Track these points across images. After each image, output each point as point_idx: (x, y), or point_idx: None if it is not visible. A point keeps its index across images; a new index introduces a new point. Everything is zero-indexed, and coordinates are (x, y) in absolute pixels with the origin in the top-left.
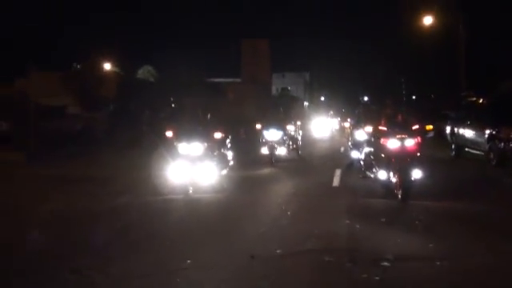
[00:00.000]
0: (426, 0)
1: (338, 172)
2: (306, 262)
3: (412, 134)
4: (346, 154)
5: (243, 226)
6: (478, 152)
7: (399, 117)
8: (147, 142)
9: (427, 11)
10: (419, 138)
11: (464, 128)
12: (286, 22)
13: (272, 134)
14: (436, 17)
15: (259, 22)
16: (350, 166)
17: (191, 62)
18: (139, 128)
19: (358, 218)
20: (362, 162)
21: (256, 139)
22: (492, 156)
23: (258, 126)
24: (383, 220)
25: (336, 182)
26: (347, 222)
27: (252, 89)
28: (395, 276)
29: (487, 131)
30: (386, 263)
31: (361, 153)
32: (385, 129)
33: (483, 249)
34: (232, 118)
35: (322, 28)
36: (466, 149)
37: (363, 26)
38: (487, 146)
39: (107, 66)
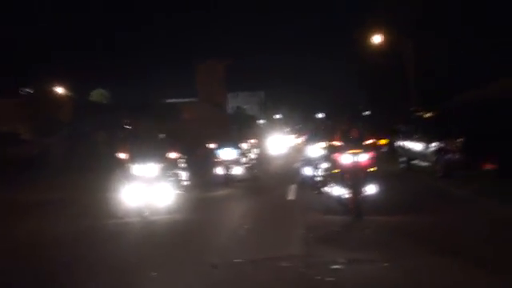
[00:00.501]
0: (379, 19)
1: (292, 187)
2: (264, 268)
3: (366, 149)
4: (299, 171)
5: (203, 241)
6: (426, 164)
7: (354, 132)
8: (104, 165)
9: (380, 30)
10: (373, 153)
11: (413, 141)
12: (240, 42)
13: (226, 153)
14: (388, 36)
15: (214, 41)
16: (303, 183)
17: (146, 83)
18: (96, 150)
19: (311, 229)
20: (318, 178)
21: (210, 159)
22: (438, 168)
23: (212, 146)
24: (336, 235)
25: (291, 196)
26: (302, 232)
27: (208, 108)
28: (345, 276)
29: (434, 144)
30: (337, 266)
31: (314, 169)
32: (339, 144)
33: (420, 255)
34: (188, 137)
35: (276, 47)
36: (416, 161)
37: (318, 44)
38: (434, 159)
39: (59, 90)
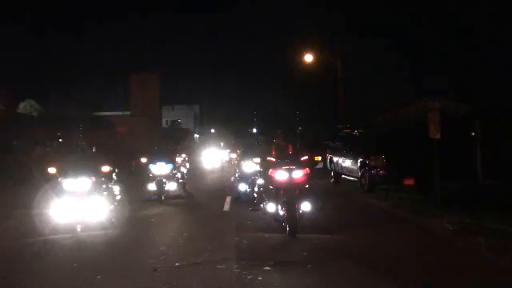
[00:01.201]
0: (310, 37)
1: (228, 199)
2: (202, 269)
3: (301, 165)
4: (233, 186)
5: (142, 250)
6: (352, 178)
7: (289, 148)
8: (36, 180)
9: (311, 49)
10: (308, 170)
11: (340, 157)
12: (175, 55)
13: (160, 168)
14: (319, 54)
15: (148, 55)
16: (238, 199)
17: (78, 96)
18: (26, 164)
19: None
20: (253, 194)
21: (143, 173)
22: (363, 182)
23: (144, 160)
24: (269, 254)
25: (226, 207)
26: (236, 239)
27: (141, 122)
28: (273, 276)
29: (359, 160)
30: (266, 267)
31: (248, 185)
32: (273, 160)
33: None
34: (120, 151)
35: (210, 60)
36: (343, 176)
37: (253, 59)
38: (359, 173)
39: None
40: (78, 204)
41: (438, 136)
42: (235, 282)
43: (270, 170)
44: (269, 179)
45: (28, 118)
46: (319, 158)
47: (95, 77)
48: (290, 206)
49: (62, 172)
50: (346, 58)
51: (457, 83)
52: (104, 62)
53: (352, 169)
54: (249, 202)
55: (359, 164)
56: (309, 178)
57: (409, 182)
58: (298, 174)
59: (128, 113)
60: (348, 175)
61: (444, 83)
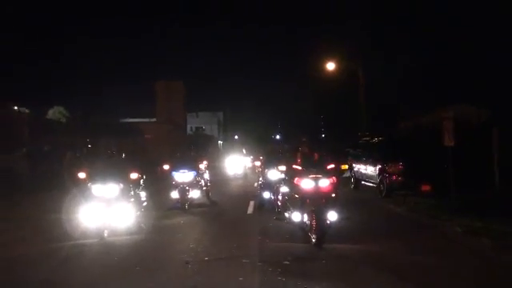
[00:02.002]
0: (332, 46)
1: (251, 203)
2: (228, 263)
3: (327, 174)
4: (257, 193)
5: (172, 248)
6: (371, 184)
7: (315, 156)
8: (68, 185)
9: (333, 56)
10: (335, 178)
11: (360, 164)
12: (200, 63)
13: (183, 176)
14: (340, 62)
15: (174, 62)
16: (261, 206)
17: (104, 102)
18: (59, 170)
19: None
20: (277, 203)
21: (166, 181)
22: (382, 188)
23: (166, 167)
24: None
25: (250, 211)
26: (259, 238)
27: (167, 128)
28: (291, 269)
29: (378, 166)
30: (286, 262)
31: (272, 192)
32: (299, 168)
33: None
34: (147, 157)
35: (235, 68)
36: (363, 182)
37: (276, 67)
38: (378, 179)
39: (15, 107)
40: (106, 209)
41: (452, 144)
42: (257, 273)
43: (296, 179)
44: (294, 188)
45: (57, 124)
46: (346, 167)
47: (121, 84)
48: (318, 215)
49: (91, 178)
50: (367, 65)
51: (480, 89)
52: (130, 70)
53: (371, 175)
54: (272, 210)
55: (377, 171)
56: (335, 186)
57: (425, 187)
58: (325, 183)
59: (154, 119)
60: (367, 181)
61: (467, 89)
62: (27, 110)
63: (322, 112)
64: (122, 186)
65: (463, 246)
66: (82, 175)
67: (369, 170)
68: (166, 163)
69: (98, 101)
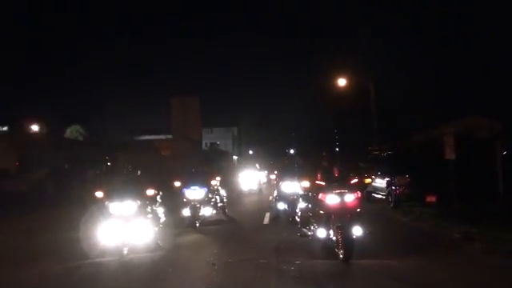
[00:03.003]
0: (344, 60)
1: (267, 215)
2: (248, 263)
3: (351, 189)
4: (272, 205)
5: (198, 254)
6: (380, 196)
7: (335, 170)
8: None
9: (345, 71)
10: (359, 193)
11: (370, 177)
12: (214, 78)
13: (194, 193)
14: (352, 77)
15: (188, 78)
16: (277, 217)
17: (120, 120)
18: (79, 187)
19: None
20: (295, 217)
21: (177, 198)
22: (390, 199)
23: (177, 184)
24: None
25: (266, 221)
26: (275, 244)
27: (183, 145)
28: (304, 268)
29: (386, 179)
30: (298, 262)
31: (288, 204)
32: (322, 183)
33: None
34: (164, 174)
35: (250, 85)
36: (373, 194)
37: (290, 82)
38: (386, 191)
39: (35, 127)
40: (124, 227)
41: (453, 157)
42: (275, 271)
43: (321, 194)
44: (318, 203)
45: (75, 142)
46: (369, 181)
47: (136, 100)
48: (345, 231)
49: (109, 195)
50: (379, 80)
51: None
52: (143, 86)
53: (380, 187)
54: (287, 220)
55: (386, 183)
56: (360, 201)
57: (431, 199)
58: (350, 198)
59: (169, 136)
60: (377, 193)
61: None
62: (46, 130)
63: (335, 126)
64: (139, 202)
65: (457, 250)
66: (99, 193)
67: (378, 182)
68: (177, 180)
69: (114, 119)
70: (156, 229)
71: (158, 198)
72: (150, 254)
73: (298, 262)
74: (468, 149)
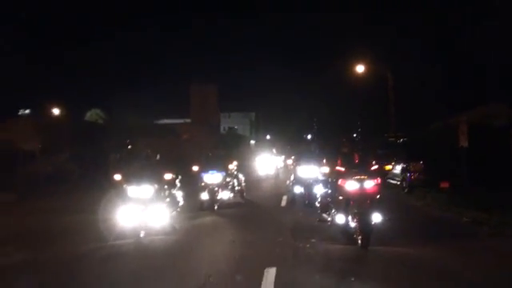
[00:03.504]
0: (362, 49)
1: (284, 197)
2: (267, 241)
3: (371, 175)
4: (289, 189)
5: (217, 235)
6: (395, 182)
7: (355, 157)
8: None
9: (364, 58)
10: (379, 179)
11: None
12: (232, 64)
13: (212, 177)
14: (370, 64)
15: (208, 63)
16: (293, 200)
17: (139, 103)
18: (101, 170)
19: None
20: (317, 204)
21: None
22: (404, 185)
23: (195, 169)
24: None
25: (283, 202)
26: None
27: (203, 129)
28: (318, 246)
29: (401, 165)
30: (313, 240)
31: (304, 187)
32: (342, 169)
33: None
34: (183, 158)
35: (268, 70)
36: (388, 180)
37: (307, 67)
38: (401, 177)
39: (56, 110)
40: (141, 210)
41: (466, 145)
42: (291, 248)
43: (340, 180)
44: (338, 189)
45: (95, 125)
46: (390, 167)
47: (156, 85)
48: (363, 217)
49: (127, 179)
50: (399, 67)
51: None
52: (163, 71)
53: (395, 173)
54: (303, 202)
55: (400, 169)
56: (380, 188)
57: (444, 185)
58: (370, 184)
59: (188, 120)
60: (392, 179)
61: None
62: (67, 113)
63: (358, 113)
64: (156, 186)
65: (466, 234)
66: (117, 177)
67: (393, 168)
68: (195, 164)
69: (133, 102)
70: (174, 212)
71: (177, 181)
72: (167, 237)
73: (313, 241)
74: (484, 137)
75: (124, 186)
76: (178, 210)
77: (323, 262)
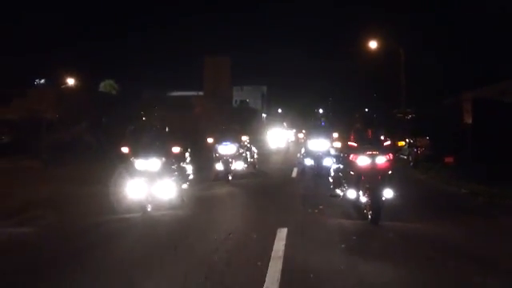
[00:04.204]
0: (376, 25)
1: (295, 169)
2: (279, 204)
3: (384, 151)
4: (299, 161)
5: (231, 201)
6: (402, 156)
7: (368, 132)
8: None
9: (377, 34)
10: (391, 155)
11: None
12: (245, 37)
13: (226, 148)
14: (383, 41)
15: (220, 35)
16: (304, 171)
17: (152, 75)
18: (117, 141)
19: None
20: (330, 179)
21: (210, 154)
22: (410, 159)
23: (210, 140)
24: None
25: (294, 173)
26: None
27: (214, 103)
28: (325, 211)
29: (407, 140)
30: (321, 207)
31: (314, 160)
32: (355, 145)
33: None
34: (197, 131)
35: (280, 43)
36: (396, 154)
37: (320, 42)
38: (407, 152)
39: (71, 81)
40: (148, 184)
41: (470, 121)
42: (301, 213)
43: (352, 156)
44: (350, 164)
45: (110, 96)
46: (403, 143)
47: (168, 57)
48: (374, 193)
49: (134, 152)
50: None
51: None
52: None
53: (403, 148)
54: (313, 174)
55: (407, 144)
56: (392, 163)
57: (449, 159)
58: (381, 160)
59: (200, 93)
60: (399, 154)
61: None
62: (82, 84)
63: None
64: (164, 160)
65: (462, 203)
66: (125, 149)
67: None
68: (210, 137)
69: (147, 74)
70: (183, 186)
71: (187, 155)
72: (174, 211)
73: (321, 207)
74: (491, 113)
75: (131, 158)
76: (188, 183)
77: (330, 223)
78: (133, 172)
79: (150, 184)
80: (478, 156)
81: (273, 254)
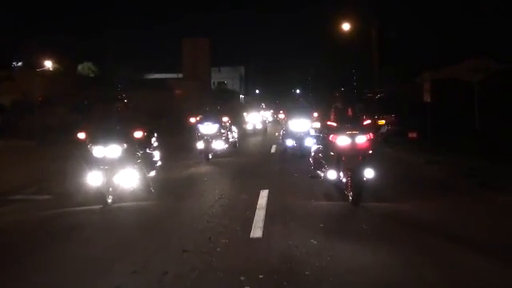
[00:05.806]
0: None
1: (274, 146)
2: (260, 177)
3: (364, 130)
4: (279, 141)
5: (213, 180)
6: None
7: (348, 111)
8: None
9: (349, 16)
10: (371, 134)
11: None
12: (223, 16)
13: (207, 128)
14: (355, 20)
15: (199, 17)
16: (285, 151)
17: (132, 57)
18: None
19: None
20: (311, 160)
21: (192, 134)
22: (379, 135)
23: (192, 120)
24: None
25: (273, 150)
26: (281, 165)
27: (195, 84)
28: (301, 177)
29: (375, 118)
30: (296, 175)
31: (295, 140)
32: (334, 124)
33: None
34: (177, 112)
35: (257, 23)
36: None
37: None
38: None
39: (49, 64)
40: (108, 173)
41: (429, 100)
42: (278, 178)
43: (331, 136)
44: (329, 145)
45: (89, 79)
46: (383, 122)
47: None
48: (355, 173)
49: (92, 137)
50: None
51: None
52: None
53: None
54: (294, 154)
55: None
56: (372, 143)
57: (412, 135)
58: (362, 140)
59: (180, 75)
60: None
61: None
62: (59, 67)
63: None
64: (125, 146)
65: (420, 171)
66: (81, 135)
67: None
68: (192, 117)
69: (125, 56)
70: (148, 175)
71: (154, 140)
72: (138, 203)
73: (296, 175)
74: (453, 91)
75: (89, 145)
76: (154, 171)
77: (304, 185)
78: (90, 160)
79: (110, 173)
80: (439, 131)
81: (257, 206)
